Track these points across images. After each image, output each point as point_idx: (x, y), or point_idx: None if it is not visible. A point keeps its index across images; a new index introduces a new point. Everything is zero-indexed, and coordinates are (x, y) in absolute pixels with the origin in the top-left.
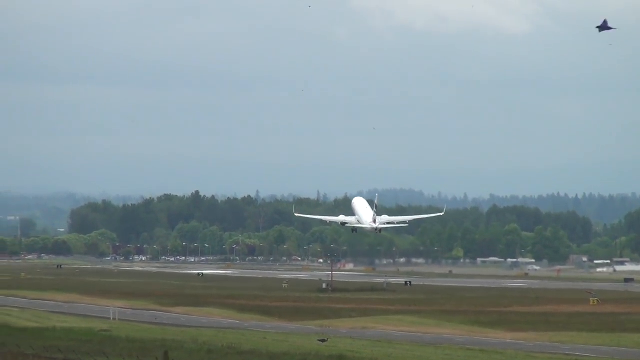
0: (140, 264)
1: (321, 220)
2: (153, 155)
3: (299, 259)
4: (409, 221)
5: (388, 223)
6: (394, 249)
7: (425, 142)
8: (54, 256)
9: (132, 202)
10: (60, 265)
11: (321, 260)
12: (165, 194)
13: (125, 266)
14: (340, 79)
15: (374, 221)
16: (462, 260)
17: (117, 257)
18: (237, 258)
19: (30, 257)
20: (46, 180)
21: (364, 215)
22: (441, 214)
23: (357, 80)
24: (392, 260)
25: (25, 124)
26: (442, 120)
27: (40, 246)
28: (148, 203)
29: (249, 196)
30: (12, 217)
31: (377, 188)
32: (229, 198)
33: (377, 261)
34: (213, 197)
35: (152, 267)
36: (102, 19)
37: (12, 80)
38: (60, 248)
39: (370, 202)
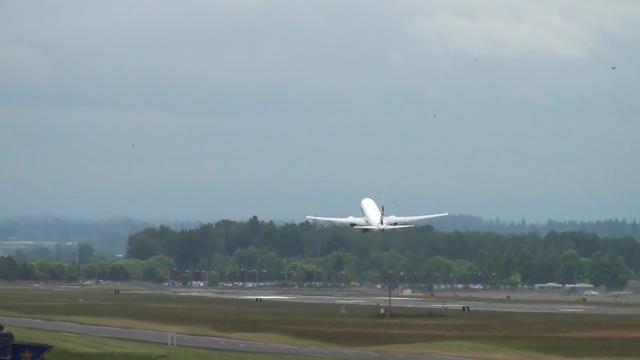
0: (197, 290)
1: (331, 222)
2: (211, 181)
3: (357, 284)
4: (415, 222)
5: (395, 223)
6: (452, 275)
7: (482, 167)
8: (111, 282)
9: (189, 228)
10: (118, 291)
11: (379, 286)
12: (223, 220)
13: (183, 292)
14: (397, 103)
15: (382, 222)
16: (519, 286)
17: (175, 283)
18: (295, 283)
19: (88, 282)
20: (104, 206)
21: (372, 216)
22: (445, 214)
23: (414, 104)
24: (449, 286)
25: (82, 151)
26: (498, 145)
27: (98, 272)
28: (206, 228)
29: (307, 222)
30: (70, 243)
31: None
32: (286, 223)
33: (434, 286)
34: (271, 222)
35: (210, 293)
36: (163, 45)
37: (66, 106)
38: (118, 273)
39: (378, 204)
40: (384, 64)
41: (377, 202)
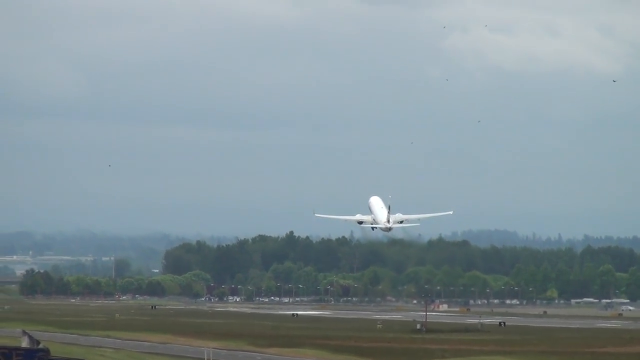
0: (234, 305)
1: (339, 220)
2: (247, 196)
3: (393, 299)
4: (421, 219)
5: (401, 222)
6: (488, 290)
7: (518, 183)
8: (148, 297)
9: (226, 243)
10: (155, 306)
11: (415, 301)
12: (259, 235)
13: (220, 307)
14: (433, 118)
15: (388, 220)
16: (556, 301)
17: (211, 298)
18: (332, 299)
19: (124, 297)
20: (141, 221)
21: (379, 214)
22: (450, 212)
23: (450, 119)
24: (486, 301)
25: (118, 166)
26: (534, 161)
27: (134, 287)
28: (242, 244)
29: (343, 237)
30: (107, 258)
31: (472, 229)
32: (323, 238)
33: (471, 302)
34: (307, 237)
35: (246, 308)
36: (198, 61)
37: (101, 121)
38: (155, 289)
39: (385, 202)
40: (420, 79)
41: (384, 200)
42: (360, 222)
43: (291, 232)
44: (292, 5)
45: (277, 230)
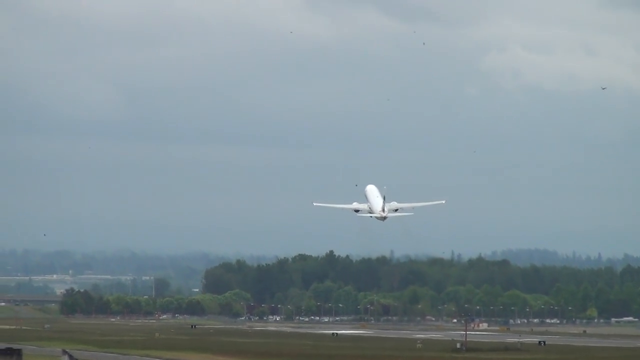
0: (274, 324)
1: (336, 209)
2: (287, 215)
3: (433, 318)
4: (415, 208)
5: (396, 210)
6: (528, 309)
7: (557, 202)
8: (187, 316)
9: (266, 262)
10: (194, 325)
11: (455, 320)
12: (299, 254)
13: (259, 326)
14: (472, 137)
15: (383, 209)
16: (596, 320)
17: (251, 317)
18: (371, 318)
19: (164, 316)
20: (180, 240)
21: (375, 203)
22: (443, 201)
23: (488, 139)
24: (526, 320)
25: (158, 185)
26: (573, 179)
27: (174, 306)
28: (282, 263)
29: (383, 256)
30: (147, 277)
31: (511, 248)
32: (363, 258)
33: (511, 321)
34: (347, 256)
35: (286, 327)
36: (242, 79)
37: (142, 141)
38: (194, 308)
39: (381, 192)
40: (458, 97)
41: (380, 190)
42: (357, 211)
43: (331, 252)
44: (329, 24)
45: (316, 249)
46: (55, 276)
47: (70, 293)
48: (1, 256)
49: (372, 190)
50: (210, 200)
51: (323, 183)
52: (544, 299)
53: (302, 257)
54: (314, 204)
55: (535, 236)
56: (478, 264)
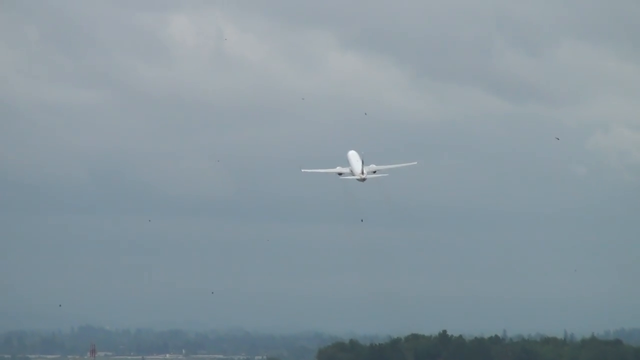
0: None
1: (321, 173)
2: (401, 292)
3: None
4: (390, 169)
5: (374, 172)
6: None
7: None
8: None
9: (379, 342)
10: None
11: None
12: (412, 333)
13: None
14: (584, 216)
15: (362, 172)
16: None
17: None
18: None
19: None
20: (293, 319)
21: (355, 166)
22: (414, 163)
23: (598, 216)
24: None
25: (269, 264)
26: None
27: None
28: (395, 342)
29: (496, 335)
30: (259, 357)
31: (624, 327)
32: (475, 337)
33: None
34: (460, 336)
35: None
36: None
37: (248, 219)
38: None
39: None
40: (566, 176)
41: (359, 154)
42: (340, 174)
43: (444, 331)
44: (436, 103)
45: (429, 328)
46: (168, 355)
47: None
48: (114, 335)
49: (353, 155)
50: (323, 277)
51: (431, 260)
52: None
53: (415, 337)
54: (302, 171)
55: None
56: (591, 344)
